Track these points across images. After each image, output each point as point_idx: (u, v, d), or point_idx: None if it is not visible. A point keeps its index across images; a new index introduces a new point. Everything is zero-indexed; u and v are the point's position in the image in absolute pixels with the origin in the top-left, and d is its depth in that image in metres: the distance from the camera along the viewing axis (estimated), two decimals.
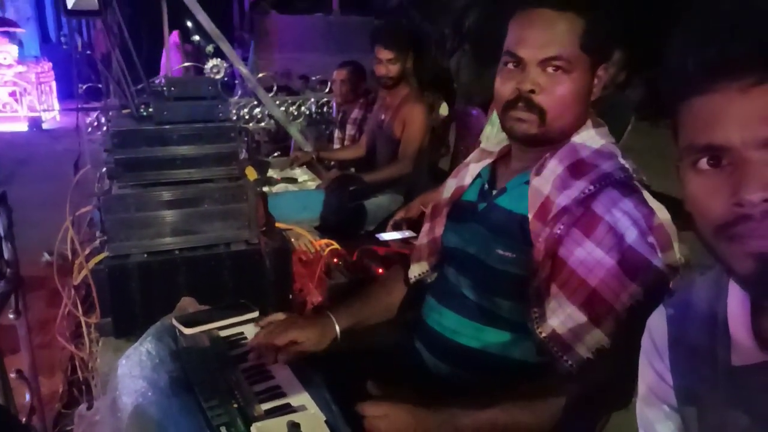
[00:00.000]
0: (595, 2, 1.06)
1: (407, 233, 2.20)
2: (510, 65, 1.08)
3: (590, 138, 1.09)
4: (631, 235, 0.98)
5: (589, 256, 0.99)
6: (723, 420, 0.68)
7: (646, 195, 1.03)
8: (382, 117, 3.01)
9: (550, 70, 1.04)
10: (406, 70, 2.90)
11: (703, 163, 0.61)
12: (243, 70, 4.35)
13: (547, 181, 1.07)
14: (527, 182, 1.10)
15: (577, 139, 1.09)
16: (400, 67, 2.86)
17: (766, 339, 0.65)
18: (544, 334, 1.01)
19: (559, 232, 1.01)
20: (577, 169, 1.06)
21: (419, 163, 2.90)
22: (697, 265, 0.84)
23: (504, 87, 1.09)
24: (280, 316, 1.26)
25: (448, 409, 0.93)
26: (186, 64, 4.39)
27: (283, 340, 1.16)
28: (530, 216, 1.06)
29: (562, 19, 1.03)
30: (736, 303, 0.68)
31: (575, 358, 0.99)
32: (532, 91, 1.05)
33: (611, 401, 1.03)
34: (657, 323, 0.80)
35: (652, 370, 0.79)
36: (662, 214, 1.01)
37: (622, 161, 1.07)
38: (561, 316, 1.00)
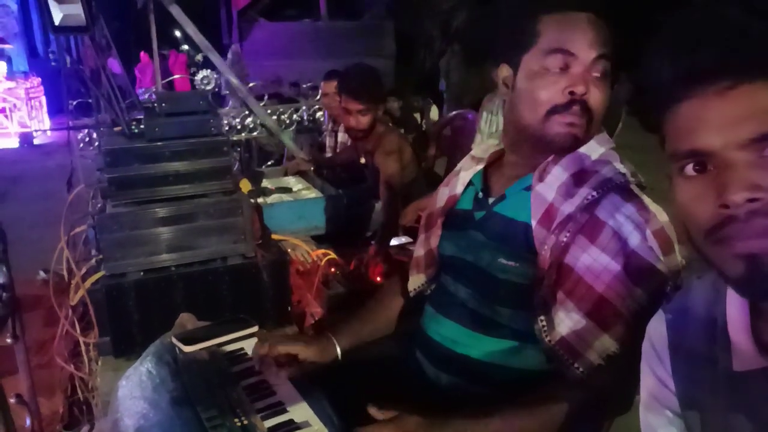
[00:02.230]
0: (618, 13, 1.07)
1: (404, 239, 2.20)
2: (555, 68, 1.03)
3: (592, 146, 1.09)
4: (635, 239, 0.98)
5: (595, 262, 0.99)
6: (726, 426, 0.67)
7: (645, 199, 1.04)
8: (363, 161, 2.90)
9: (596, 73, 1.03)
10: (377, 118, 2.64)
11: (690, 169, 0.62)
12: (233, 80, 4.35)
13: (551, 187, 1.06)
14: (527, 188, 1.10)
15: (583, 148, 1.08)
16: (371, 117, 2.59)
17: (766, 344, 0.65)
18: (552, 342, 1.01)
19: (565, 240, 1.01)
20: (579, 176, 1.05)
21: (407, 188, 2.70)
22: (695, 268, 0.84)
23: (551, 89, 1.03)
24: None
25: (451, 423, 0.93)
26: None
27: (285, 353, 1.17)
28: (533, 223, 1.06)
29: (600, 24, 1.04)
30: (735, 308, 0.68)
31: (586, 364, 0.98)
32: (585, 94, 1.02)
33: (615, 406, 1.03)
34: (656, 328, 0.80)
35: (654, 376, 0.79)
36: (662, 216, 1.01)
37: (619, 166, 1.07)
38: (569, 323, 0.99)
